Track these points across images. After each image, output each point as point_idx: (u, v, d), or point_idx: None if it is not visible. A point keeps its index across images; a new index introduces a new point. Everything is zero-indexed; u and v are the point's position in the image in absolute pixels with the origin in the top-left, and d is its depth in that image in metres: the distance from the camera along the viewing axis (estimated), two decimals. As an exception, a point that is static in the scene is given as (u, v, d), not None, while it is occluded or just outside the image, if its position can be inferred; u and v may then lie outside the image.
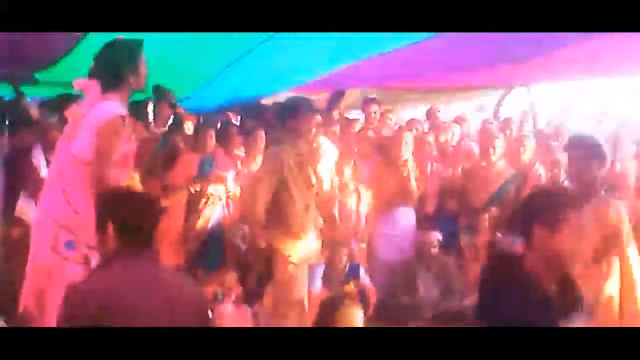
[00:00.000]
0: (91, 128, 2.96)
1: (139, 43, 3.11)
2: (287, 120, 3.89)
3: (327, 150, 4.62)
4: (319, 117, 4.05)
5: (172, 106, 5.14)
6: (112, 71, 3.04)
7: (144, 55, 3.13)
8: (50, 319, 2.66)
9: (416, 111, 6.52)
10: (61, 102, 4.55)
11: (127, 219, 2.12)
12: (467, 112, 7.11)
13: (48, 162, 4.39)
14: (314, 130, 3.99)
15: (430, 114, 6.48)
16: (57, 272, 2.91)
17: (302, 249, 3.79)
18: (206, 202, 4.76)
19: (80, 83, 3.12)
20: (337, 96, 6.09)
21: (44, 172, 4.41)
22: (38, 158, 4.53)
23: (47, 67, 4.49)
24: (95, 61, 3.05)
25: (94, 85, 3.04)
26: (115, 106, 3.01)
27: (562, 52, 4.78)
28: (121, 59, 3.06)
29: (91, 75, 3.05)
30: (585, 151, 3.27)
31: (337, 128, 5.39)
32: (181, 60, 4.24)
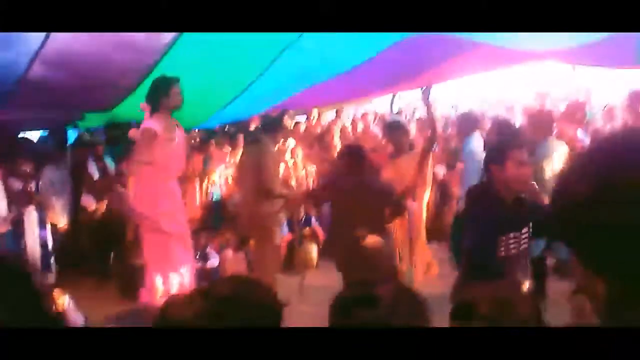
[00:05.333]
0: (138, 140, 3.94)
1: (175, 80, 3.84)
2: (269, 131, 4.85)
3: (290, 144, 6.25)
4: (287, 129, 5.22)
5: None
6: (152, 100, 3.85)
7: (178, 87, 3.81)
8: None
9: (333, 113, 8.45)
10: (111, 128, 6.06)
11: None
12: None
13: (97, 168, 5.86)
14: (290, 141, 5.20)
15: (337, 112, 8.26)
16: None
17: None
18: (208, 185, 6.16)
19: (143, 105, 3.95)
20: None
21: (96, 176, 5.82)
22: (91, 167, 5.87)
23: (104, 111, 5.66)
24: (148, 90, 3.89)
25: (147, 108, 3.87)
26: (149, 123, 3.81)
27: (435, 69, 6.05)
28: (158, 92, 3.83)
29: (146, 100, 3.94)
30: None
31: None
32: (203, 96, 5.22)
